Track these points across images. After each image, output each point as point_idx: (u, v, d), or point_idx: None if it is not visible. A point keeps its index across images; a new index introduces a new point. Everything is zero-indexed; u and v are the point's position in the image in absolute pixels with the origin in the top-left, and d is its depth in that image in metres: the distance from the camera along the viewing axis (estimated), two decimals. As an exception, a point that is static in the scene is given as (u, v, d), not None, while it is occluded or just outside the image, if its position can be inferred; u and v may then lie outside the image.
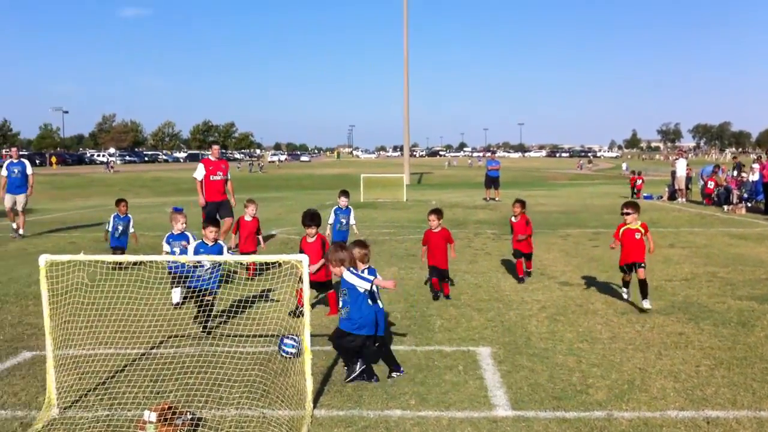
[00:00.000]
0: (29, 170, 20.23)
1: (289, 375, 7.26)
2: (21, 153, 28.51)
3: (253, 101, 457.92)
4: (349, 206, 14.38)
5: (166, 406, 5.90)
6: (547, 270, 13.49)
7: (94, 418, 6.24)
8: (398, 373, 7.38)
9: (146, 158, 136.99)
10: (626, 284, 10.71)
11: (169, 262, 10.31)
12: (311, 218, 10.47)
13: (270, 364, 7.63)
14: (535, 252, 13.13)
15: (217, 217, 15.63)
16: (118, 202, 14.98)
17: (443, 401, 6.64)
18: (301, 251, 10.03)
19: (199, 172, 16.01)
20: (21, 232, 19.79)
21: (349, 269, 7.40)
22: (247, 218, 13.74)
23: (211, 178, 15.94)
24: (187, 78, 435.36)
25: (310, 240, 10.39)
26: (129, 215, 14.88)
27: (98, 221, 24.54)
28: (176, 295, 10.30)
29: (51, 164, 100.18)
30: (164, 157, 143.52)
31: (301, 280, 8.86)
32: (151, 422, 5.73)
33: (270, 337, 8.52)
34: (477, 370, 7.57)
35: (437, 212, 11.27)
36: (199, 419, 6.05)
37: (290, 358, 7.75)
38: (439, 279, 11.13)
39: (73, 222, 24.82)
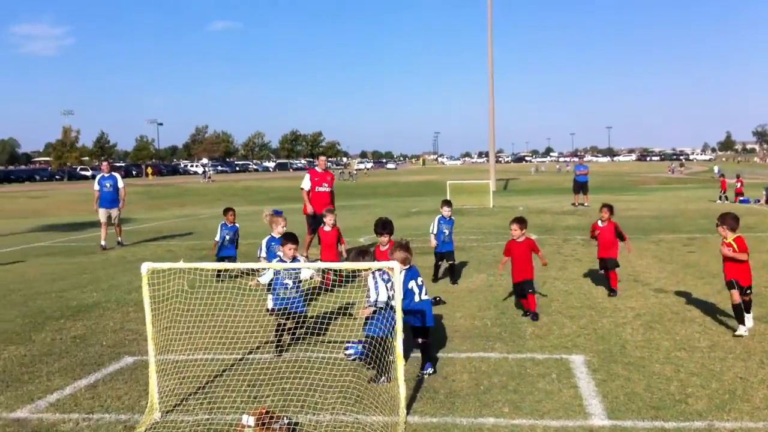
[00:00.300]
0: (120, 183, 20.72)
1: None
2: (118, 165, 29.50)
3: (338, 110, 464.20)
4: (452, 216, 13.68)
5: (264, 411, 6.04)
6: (640, 276, 13.16)
7: (195, 421, 6.43)
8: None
9: (237, 168, 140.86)
10: (738, 310, 8.99)
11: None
12: (383, 226, 10.46)
13: (363, 370, 7.70)
14: (627, 257, 12.78)
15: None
16: (226, 211, 14.76)
17: (537, 409, 6.58)
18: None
19: (306, 182, 16.19)
20: (119, 239, 20.62)
21: (372, 273, 7.45)
22: (327, 228, 13.03)
23: (316, 189, 16.10)
24: (276, 88, 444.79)
25: (383, 249, 10.30)
26: (236, 224, 14.67)
27: (193, 230, 25.33)
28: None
29: (147, 175, 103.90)
30: (254, 167, 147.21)
31: None
32: (249, 426, 5.87)
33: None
34: (571, 378, 7.45)
35: (520, 221, 10.52)
36: (296, 424, 6.16)
37: (354, 359, 7.94)
38: (525, 294, 10.41)
39: (170, 231, 25.69)
